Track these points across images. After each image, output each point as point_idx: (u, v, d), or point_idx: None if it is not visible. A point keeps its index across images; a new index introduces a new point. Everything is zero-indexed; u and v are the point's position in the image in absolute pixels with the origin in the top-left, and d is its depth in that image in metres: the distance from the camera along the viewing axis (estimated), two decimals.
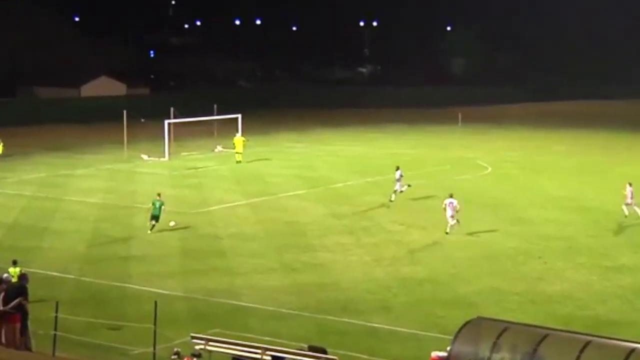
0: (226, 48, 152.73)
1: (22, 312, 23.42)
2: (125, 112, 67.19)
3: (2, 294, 23.56)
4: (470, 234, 40.27)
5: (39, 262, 34.95)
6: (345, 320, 28.26)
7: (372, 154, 70.26)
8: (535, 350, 18.70)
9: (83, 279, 33.09)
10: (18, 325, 23.38)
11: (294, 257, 36.32)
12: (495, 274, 33.83)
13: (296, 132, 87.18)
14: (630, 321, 28.35)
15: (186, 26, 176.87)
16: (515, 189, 52.34)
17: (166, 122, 66.53)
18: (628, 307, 30.02)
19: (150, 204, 41.50)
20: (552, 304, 30.19)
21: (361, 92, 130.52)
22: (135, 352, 24.83)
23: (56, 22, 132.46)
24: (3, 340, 23.46)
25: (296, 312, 29.00)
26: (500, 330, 19.48)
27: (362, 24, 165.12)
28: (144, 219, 42.16)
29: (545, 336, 19.15)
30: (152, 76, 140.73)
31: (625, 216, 43.12)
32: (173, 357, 21.98)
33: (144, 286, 31.86)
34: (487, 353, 19.06)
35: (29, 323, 23.70)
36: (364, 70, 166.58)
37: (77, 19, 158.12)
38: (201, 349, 21.89)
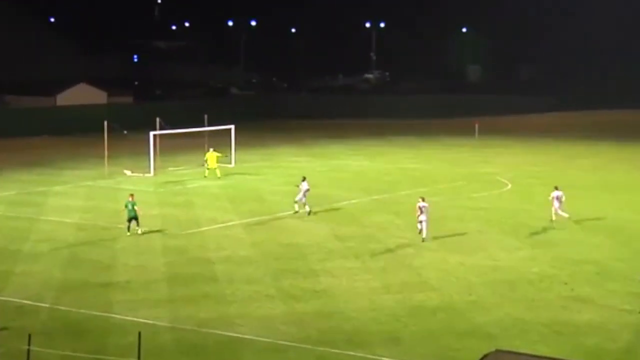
0: (218, 52, 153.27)
1: None
2: (106, 123, 67.17)
3: None
4: (489, 257, 40.26)
5: (9, 289, 34.91)
6: (350, 353, 28.21)
7: (379, 169, 70.32)
8: None
9: (59, 307, 32.98)
10: None
11: (294, 283, 36.28)
12: (517, 302, 33.78)
13: (296, 144, 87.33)
14: None
15: (173, 28, 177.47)
16: (537, 208, 52.36)
17: (151, 133, 66.54)
18: None
19: (124, 207, 43.42)
20: (579, 336, 30.12)
21: (367, 100, 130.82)
22: None
23: (29, 22, 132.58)
24: None
25: (296, 344, 28.95)
26: None
27: (367, 25, 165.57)
28: (128, 241, 42.26)
29: None
30: (136, 83, 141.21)
31: None
32: None
33: (126, 315, 31.80)
34: None
35: None
36: (370, 76, 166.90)
37: (52, 19, 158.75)
38: None
